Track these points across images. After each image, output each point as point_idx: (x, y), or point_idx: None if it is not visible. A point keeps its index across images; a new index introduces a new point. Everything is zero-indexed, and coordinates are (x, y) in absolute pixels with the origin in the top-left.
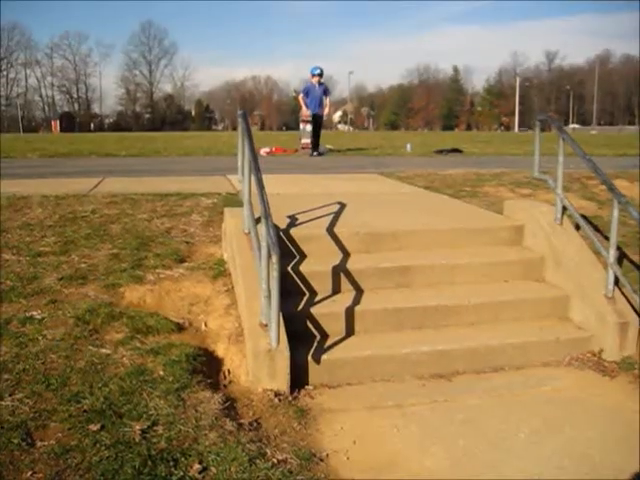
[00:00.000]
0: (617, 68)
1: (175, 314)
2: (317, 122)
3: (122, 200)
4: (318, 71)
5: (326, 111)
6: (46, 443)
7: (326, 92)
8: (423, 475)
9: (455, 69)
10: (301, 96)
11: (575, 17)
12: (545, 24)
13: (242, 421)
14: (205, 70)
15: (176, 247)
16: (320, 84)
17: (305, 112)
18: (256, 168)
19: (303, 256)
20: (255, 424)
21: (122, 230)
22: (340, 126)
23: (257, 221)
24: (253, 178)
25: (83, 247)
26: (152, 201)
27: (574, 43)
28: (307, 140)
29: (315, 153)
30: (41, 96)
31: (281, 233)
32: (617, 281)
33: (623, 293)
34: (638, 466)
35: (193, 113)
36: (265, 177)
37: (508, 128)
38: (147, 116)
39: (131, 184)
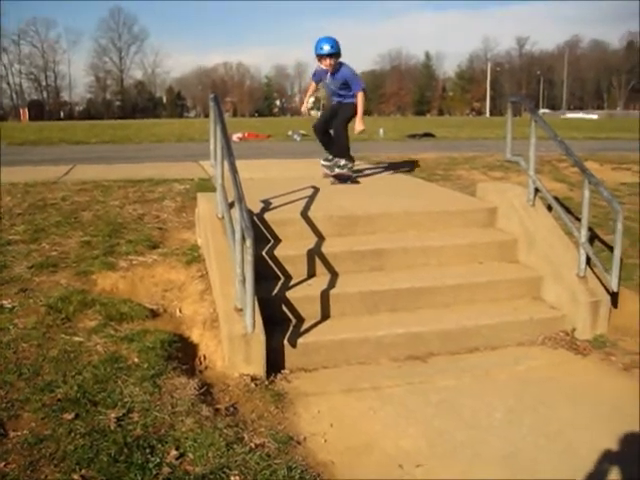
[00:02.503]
0: (586, 54)
1: (149, 300)
2: (332, 126)
3: (93, 187)
4: (327, 48)
5: (358, 125)
6: (19, 433)
7: (349, 80)
8: (400, 456)
9: (427, 54)
10: (311, 86)
11: (545, 3)
12: (516, 10)
13: (219, 406)
14: (176, 56)
15: (149, 233)
16: (337, 70)
17: (303, 109)
18: (229, 152)
19: (278, 240)
20: (232, 409)
21: (93, 217)
22: (313, 112)
23: (230, 206)
24: (226, 162)
25: (54, 235)
26: (124, 187)
27: (544, 29)
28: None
29: (331, 174)
30: (9, 84)
31: (255, 217)
32: (589, 261)
33: (595, 272)
34: (611, 443)
35: (164, 100)
36: (238, 162)
37: (480, 113)
38: (118, 104)
39: (102, 171)
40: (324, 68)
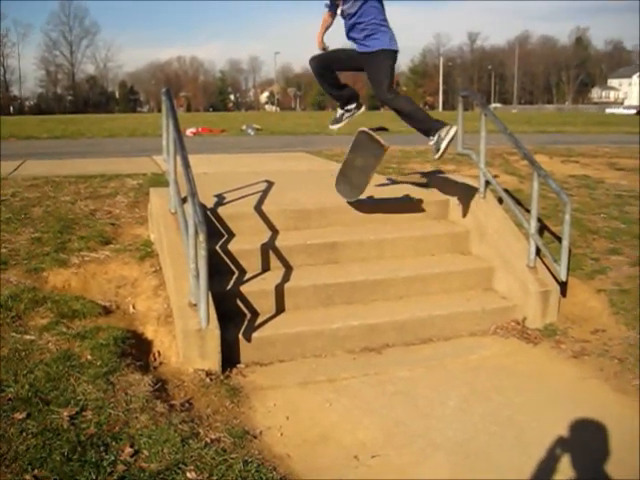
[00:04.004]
0: (536, 49)
1: (102, 297)
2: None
3: (44, 183)
4: None
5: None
6: None
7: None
8: (356, 447)
9: None
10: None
11: None
12: (467, 5)
13: (174, 402)
14: (129, 51)
15: (101, 229)
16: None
17: (319, 43)
18: (181, 146)
19: (232, 235)
20: (187, 405)
21: (44, 213)
22: (267, 107)
23: (183, 200)
24: (178, 157)
25: (3, 232)
26: (75, 183)
27: (495, 24)
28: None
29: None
30: None
31: (209, 212)
32: (538, 251)
33: (544, 263)
34: (562, 428)
35: (117, 95)
36: (192, 157)
37: (433, 107)
38: (69, 98)
39: (53, 166)
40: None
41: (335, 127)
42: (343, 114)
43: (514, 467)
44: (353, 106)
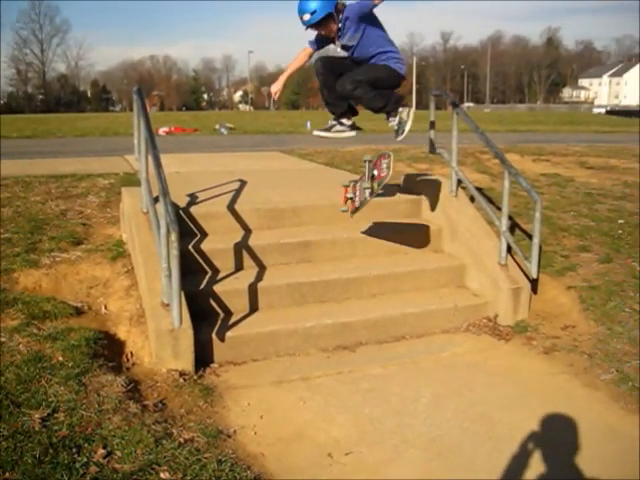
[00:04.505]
0: (508, 49)
1: (73, 298)
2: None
3: (13, 183)
4: (306, 16)
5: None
6: None
7: (359, 11)
8: (330, 444)
9: None
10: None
11: None
12: (440, 5)
13: (147, 403)
14: (101, 49)
15: (72, 229)
16: (344, 25)
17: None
18: (153, 146)
19: (204, 234)
20: (160, 405)
21: (14, 214)
22: (241, 106)
23: (155, 200)
24: (150, 156)
25: None
26: (46, 183)
27: (468, 24)
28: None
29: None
30: None
31: (181, 212)
32: (510, 249)
33: (515, 260)
34: (533, 423)
35: (89, 94)
36: (165, 156)
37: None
38: (40, 97)
39: (23, 166)
40: (324, 33)
41: (320, 134)
42: (334, 125)
43: (486, 462)
44: (348, 123)
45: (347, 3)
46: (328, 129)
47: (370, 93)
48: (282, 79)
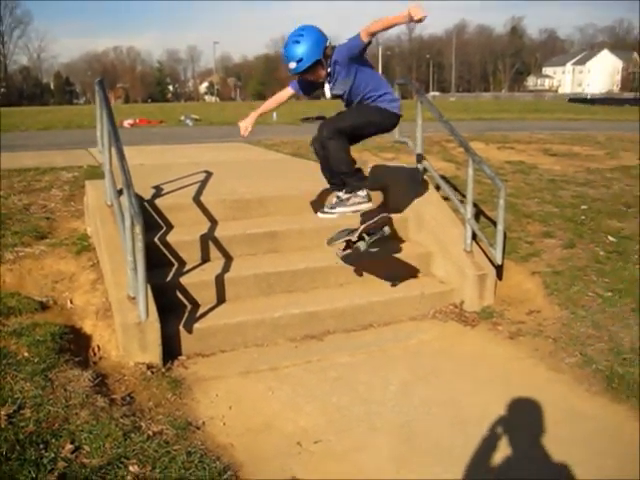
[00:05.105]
0: (472, 38)
1: (38, 293)
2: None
3: None
4: (292, 65)
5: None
6: None
7: (349, 52)
8: (298, 433)
9: None
10: (284, 93)
11: None
12: None
13: (114, 396)
14: (63, 41)
15: (36, 224)
16: (334, 69)
17: (244, 127)
18: (116, 138)
19: (170, 226)
20: (128, 398)
21: None
22: (207, 97)
23: (120, 192)
24: (113, 148)
25: None
26: (8, 177)
27: (433, 13)
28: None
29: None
30: None
31: (146, 204)
32: (475, 236)
33: (481, 247)
34: (499, 407)
35: (52, 86)
36: (130, 149)
37: None
38: (2, 90)
39: None
40: (310, 79)
41: (331, 213)
42: (348, 198)
43: (454, 447)
44: (363, 194)
45: (336, 45)
46: (342, 203)
47: (342, 153)
48: (254, 116)
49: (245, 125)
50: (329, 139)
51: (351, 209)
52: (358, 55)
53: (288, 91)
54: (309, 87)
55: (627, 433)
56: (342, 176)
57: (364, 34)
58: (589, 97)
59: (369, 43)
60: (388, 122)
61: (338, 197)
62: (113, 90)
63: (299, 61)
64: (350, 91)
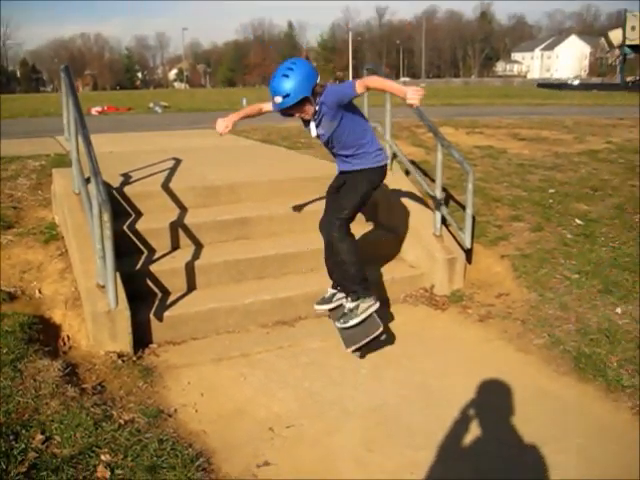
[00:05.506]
0: (442, 24)
1: (6, 283)
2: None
3: None
4: (278, 99)
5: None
6: None
7: (339, 98)
8: (271, 419)
9: (290, 24)
10: (260, 106)
11: None
12: None
13: (85, 386)
14: (29, 28)
15: (3, 213)
16: (320, 109)
17: (221, 127)
18: (82, 125)
19: (139, 214)
20: (99, 387)
21: None
22: (177, 84)
23: (87, 180)
24: (80, 136)
25: None
26: None
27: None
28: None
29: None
30: None
31: (115, 192)
32: (444, 220)
33: (450, 231)
34: (470, 389)
35: (18, 74)
36: (98, 136)
37: (343, 82)
38: None
39: None
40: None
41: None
42: (359, 302)
43: (425, 429)
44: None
45: (326, 85)
46: (353, 314)
47: (353, 257)
48: (233, 118)
49: (226, 124)
50: (337, 239)
51: (361, 318)
52: (347, 103)
53: (270, 107)
54: (288, 115)
55: (594, 412)
56: (347, 283)
57: (359, 86)
58: (576, 83)
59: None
60: (378, 179)
61: (345, 307)
62: (81, 77)
63: (285, 96)
64: (333, 135)
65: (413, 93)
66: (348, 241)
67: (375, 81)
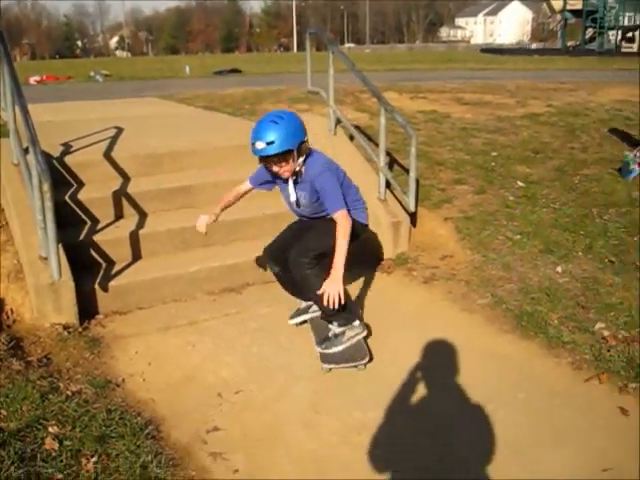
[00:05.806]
0: None
1: None
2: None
3: None
4: (260, 145)
5: (328, 286)
6: None
7: (321, 193)
8: (219, 385)
9: None
10: (241, 188)
11: None
12: None
13: (30, 359)
14: None
15: None
16: (301, 173)
17: (201, 225)
18: (19, 94)
19: (81, 184)
20: (45, 360)
21: None
22: (118, 52)
23: (26, 150)
24: (17, 105)
25: None
26: None
27: None
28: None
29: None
30: None
31: (55, 161)
32: (389, 184)
33: (395, 195)
34: (415, 350)
35: None
36: (37, 106)
37: (287, 49)
38: None
39: None
40: (277, 172)
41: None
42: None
43: (371, 391)
44: (357, 323)
45: (313, 151)
46: (338, 341)
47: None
48: (216, 212)
49: (207, 222)
50: (316, 277)
51: (346, 346)
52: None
53: (247, 186)
54: (270, 184)
55: (536, 368)
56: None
57: (334, 213)
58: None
59: None
60: (357, 234)
61: (330, 331)
62: (18, 47)
63: (269, 143)
64: (313, 205)
65: (329, 297)
66: (322, 275)
67: (342, 235)
